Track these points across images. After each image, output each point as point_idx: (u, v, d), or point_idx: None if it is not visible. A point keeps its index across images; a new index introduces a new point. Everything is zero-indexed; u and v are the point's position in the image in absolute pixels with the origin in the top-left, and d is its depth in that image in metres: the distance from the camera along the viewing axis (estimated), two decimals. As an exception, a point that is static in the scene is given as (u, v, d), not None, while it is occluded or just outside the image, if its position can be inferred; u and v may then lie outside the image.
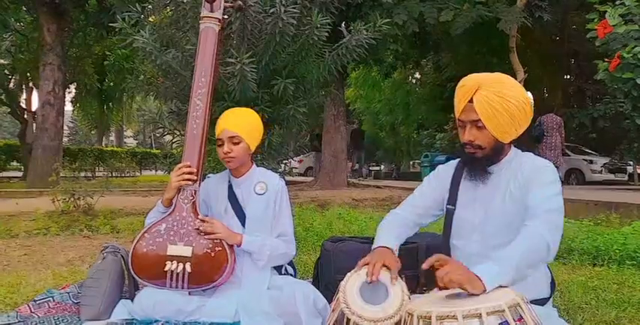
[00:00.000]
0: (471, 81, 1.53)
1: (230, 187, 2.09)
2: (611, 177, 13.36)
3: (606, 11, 5.72)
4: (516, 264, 1.32)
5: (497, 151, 1.57)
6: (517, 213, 1.54)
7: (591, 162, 13.50)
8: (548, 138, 9.76)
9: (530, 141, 10.82)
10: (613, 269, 3.06)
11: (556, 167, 7.74)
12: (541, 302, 1.54)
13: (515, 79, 8.89)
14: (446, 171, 1.77)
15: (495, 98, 1.47)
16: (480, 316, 1.13)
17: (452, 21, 7.73)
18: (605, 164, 13.26)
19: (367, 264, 1.49)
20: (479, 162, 1.60)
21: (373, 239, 1.74)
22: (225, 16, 2.19)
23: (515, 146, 1.65)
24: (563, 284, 2.63)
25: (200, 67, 2.06)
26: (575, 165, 13.51)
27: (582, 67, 13.90)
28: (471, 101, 1.50)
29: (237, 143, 1.98)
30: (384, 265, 1.48)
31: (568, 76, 16.23)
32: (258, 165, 2.18)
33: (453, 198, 1.69)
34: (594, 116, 12.74)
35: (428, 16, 7.70)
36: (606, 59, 6.00)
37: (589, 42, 6.56)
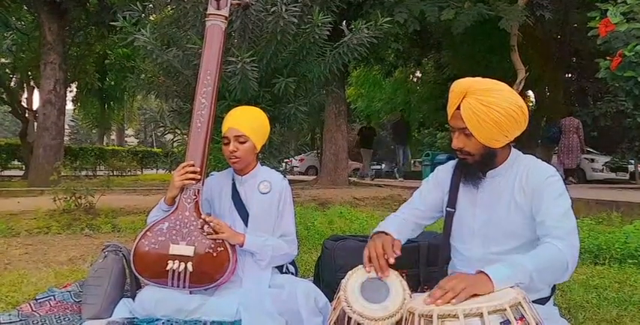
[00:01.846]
0: (459, 88, 1.50)
1: (234, 185, 2.09)
2: (613, 175, 13.35)
3: (608, 9, 5.70)
4: (530, 273, 1.30)
5: (488, 157, 1.56)
6: (521, 223, 1.53)
7: (592, 160, 13.48)
8: (565, 140, 10.11)
9: (548, 142, 11.06)
10: (614, 268, 3.06)
11: (572, 169, 7.93)
12: (542, 301, 1.54)
13: (517, 77, 8.91)
14: (445, 172, 1.76)
15: (481, 107, 1.45)
16: (481, 315, 1.13)
17: (453, 19, 7.70)
18: (606, 162, 13.24)
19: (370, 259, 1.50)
20: (471, 168, 1.59)
21: None
22: (227, 15, 2.18)
23: (514, 146, 1.64)
24: (564, 283, 2.62)
25: (206, 64, 2.05)
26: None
27: (583, 66, 13.87)
28: (458, 108, 1.49)
29: (244, 142, 1.98)
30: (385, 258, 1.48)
31: (569, 75, 16.19)
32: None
33: (452, 201, 1.68)
34: (595, 114, 12.72)
35: (429, 15, 7.68)
36: (608, 57, 5.98)
37: (590, 40, 6.54)
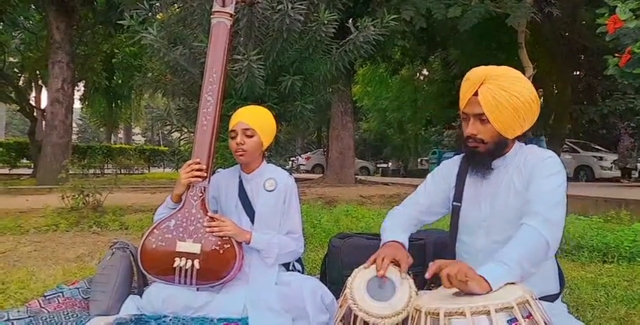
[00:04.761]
0: (477, 74, 1.50)
1: (240, 183, 2.09)
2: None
3: (616, 6, 5.64)
4: (519, 263, 1.29)
5: (500, 146, 1.54)
6: (520, 208, 1.51)
7: (601, 158, 13.40)
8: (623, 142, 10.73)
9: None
10: (623, 266, 3.04)
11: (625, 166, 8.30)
12: (550, 298, 1.53)
13: (524, 75, 8.93)
14: (450, 167, 1.74)
15: (501, 92, 1.44)
16: (488, 313, 1.13)
17: (460, 17, 7.66)
18: (614, 161, 13.16)
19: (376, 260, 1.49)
20: (481, 157, 1.57)
21: (380, 235, 1.73)
22: (233, 13, 2.18)
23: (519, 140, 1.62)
24: (573, 281, 2.62)
25: (211, 62, 2.05)
26: (585, 162, 13.42)
27: (592, 63, 13.75)
28: (475, 94, 1.48)
29: (251, 136, 1.98)
30: (394, 261, 1.47)
31: (577, 72, 16.08)
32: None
33: (458, 195, 1.67)
34: (604, 112, 12.64)
35: (436, 12, 7.65)
36: (616, 54, 5.93)
37: (599, 37, 6.48)
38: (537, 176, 1.47)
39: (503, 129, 1.49)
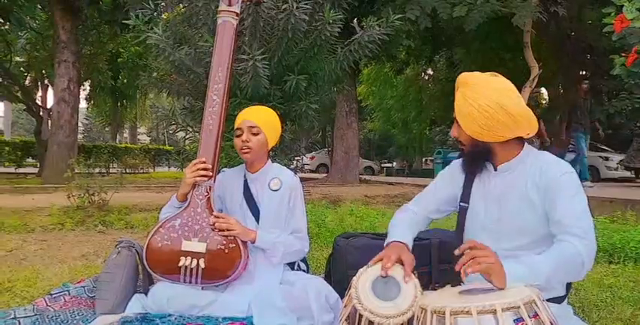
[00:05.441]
0: (457, 79, 1.57)
1: (245, 182, 2.10)
2: (627, 174, 13.18)
3: (623, 5, 5.60)
4: (547, 275, 1.30)
5: (479, 149, 1.56)
6: (534, 220, 1.51)
7: (607, 158, 13.33)
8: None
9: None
10: (629, 267, 3.02)
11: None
12: (558, 300, 1.52)
13: (530, 74, 8.82)
14: (459, 167, 1.74)
15: (461, 99, 1.51)
16: (494, 312, 1.12)
17: (465, 16, 7.63)
18: (620, 161, 13.07)
19: (381, 259, 1.49)
20: (466, 158, 1.64)
21: (385, 235, 1.74)
22: (239, 12, 2.18)
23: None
24: (578, 282, 2.60)
25: (217, 61, 2.05)
26: (590, 162, 13.31)
27: (598, 63, 13.64)
28: None
29: (256, 134, 1.99)
30: (398, 261, 1.48)
31: (583, 72, 15.98)
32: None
33: (466, 196, 1.67)
34: (610, 112, 12.54)
35: (441, 12, 7.62)
36: (623, 54, 5.89)
37: (605, 37, 6.44)
38: (562, 195, 1.45)
39: (472, 133, 1.54)
